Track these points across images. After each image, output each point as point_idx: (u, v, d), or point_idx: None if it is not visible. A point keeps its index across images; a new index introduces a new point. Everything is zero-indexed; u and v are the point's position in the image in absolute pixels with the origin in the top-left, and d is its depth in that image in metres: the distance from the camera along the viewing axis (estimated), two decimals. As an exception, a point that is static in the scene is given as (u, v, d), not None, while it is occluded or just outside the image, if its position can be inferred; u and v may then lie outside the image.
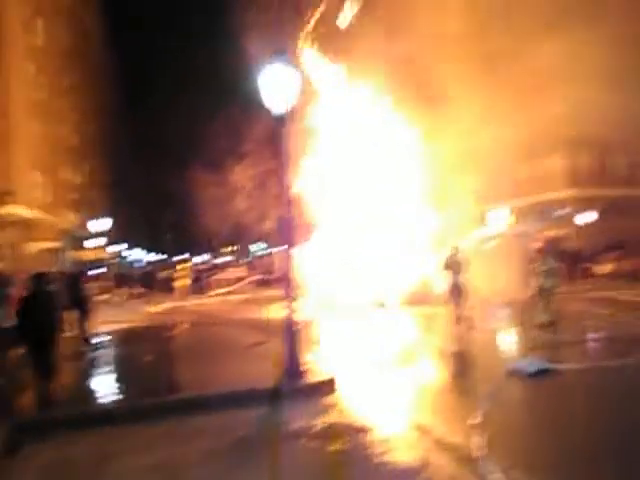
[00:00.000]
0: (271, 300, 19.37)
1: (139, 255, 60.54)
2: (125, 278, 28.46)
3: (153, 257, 68.10)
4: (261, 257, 39.53)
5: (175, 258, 51.69)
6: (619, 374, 7.39)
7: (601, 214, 28.38)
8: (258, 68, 7.58)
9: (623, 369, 7.57)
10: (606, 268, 23.70)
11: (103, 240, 27.94)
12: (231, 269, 35.99)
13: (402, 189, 20.19)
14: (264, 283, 29.15)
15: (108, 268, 27.77)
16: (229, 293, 26.61)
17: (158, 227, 77.74)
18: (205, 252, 62.19)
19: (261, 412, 6.67)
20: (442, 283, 12.72)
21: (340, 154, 20.67)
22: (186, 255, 54.96)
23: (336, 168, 20.81)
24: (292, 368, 7.65)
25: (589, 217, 28.46)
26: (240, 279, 29.72)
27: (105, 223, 27.82)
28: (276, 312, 14.11)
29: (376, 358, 9.52)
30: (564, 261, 25.78)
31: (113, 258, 31.53)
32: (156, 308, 21.20)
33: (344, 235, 20.14)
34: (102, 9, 48.18)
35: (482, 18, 30.83)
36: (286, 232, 7.90)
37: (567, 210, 30.26)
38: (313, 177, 21.42)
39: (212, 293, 26.78)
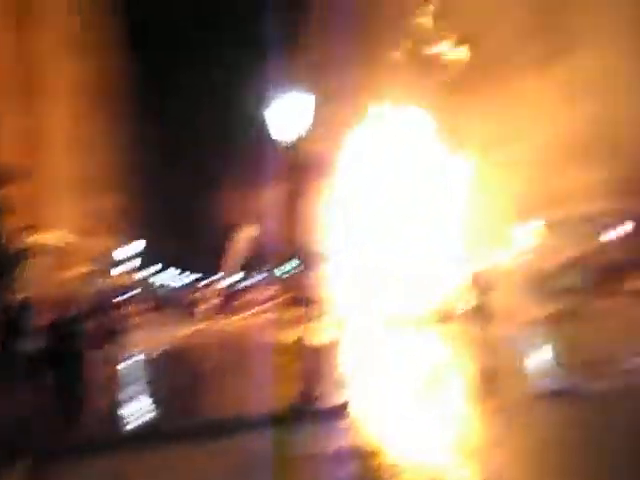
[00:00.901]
0: (298, 321, 19.55)
1: (172, 276, 61.57)
2: (154, 301, 29.11)
3: (188, 278, 69.15)
4: (293, 276, 39.77)
5: (210, 278, 52.40)
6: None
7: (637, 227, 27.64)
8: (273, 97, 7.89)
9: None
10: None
11: (136, 263, 28.72)
12: (263, 288, 36.27)
13: (433, 203, 20.23)
14: (295, 302, 29.30)
15: (138, 291, 28.46)
16: (258, 313, 26.84)
17: (194, 247, 78.72)
18: (239, 271, 62.72)
19: (272, 435, 6.84)
20: (467, 301, 12.66)
21: (372, 166, 20.87)
22: (219, 275, 55.46)
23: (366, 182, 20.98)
24: (306, 391, 7.80)
25: (625, 230, 27.72)
26: (270, 299, 29.94)
27: (137, 245, 28.61)
28: (301, 333, 14.27)
29: (395, 380, 9.59)
30: (600, 276, 25.23)
31: (144, 281, 32.30)
32: (183, 331, 21.59)
33: (370, 254, 20.27)
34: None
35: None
36: (301, 252, 8.11)
37: (602, 223, 29.56)
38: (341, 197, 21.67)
39: (241, 314, 27.09)
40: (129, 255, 30.04)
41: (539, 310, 13.14)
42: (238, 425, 7.28)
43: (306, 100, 7.74)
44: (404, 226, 19.91)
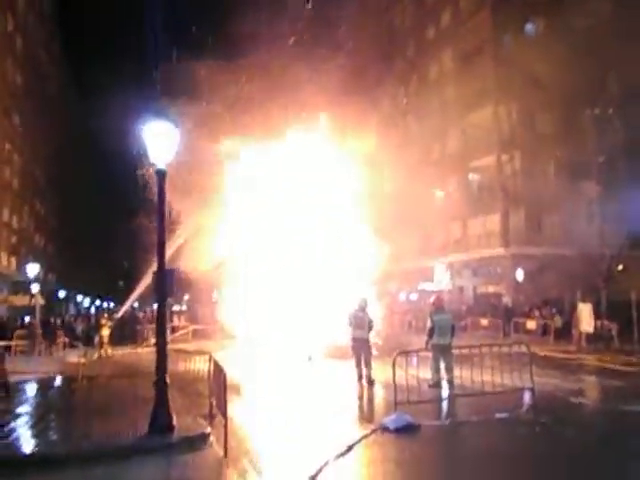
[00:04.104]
0: (202, 351, 19.19)
1: (80, 302, 58.92)
2: (54, 326, 27.63)
3: (100, 304, 66.52)
4: (202, 306, 39.15)
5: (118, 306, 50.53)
6: (481, 430, 7.68)
7: (535, 272, 29.33)
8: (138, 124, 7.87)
9: (487, 425, 7.88)
10: (535, 324, 24.35)
11: (37, 286, 27.25)
12: (175, 318, 35.44)
13: (337, 240, 20.68)
14: (203, 333, 28.92)
15: (37, 315, 27.00)
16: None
17: (111, 273, 76.05)
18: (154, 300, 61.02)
19: (117, 469, 6.60)
20: (347, 338, 12.83)
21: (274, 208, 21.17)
22: (131, 304, 53.60)
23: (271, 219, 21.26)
24: (160, 421, 7.58)
25: (523, 274, 29.36)
26: (176, 329, 29.31)
27: (35, 268, 27.24)
28: (202, 364, 14.01)
29: (270, 410, 9.56)
30: (498, 316, 26.58)
31: (45, 304, 30.66)
32: (80, 358, 20.62)
33: (276, 286, 20.37)
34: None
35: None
36: (164, 285, 7.98)
37: (502, 266, 31.23)
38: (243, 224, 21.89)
39: (145, 343, 26.22)
40: (33, 276, 28.50)
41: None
42: (85, 458, 6.96)
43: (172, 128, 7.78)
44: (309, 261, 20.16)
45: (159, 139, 7.77)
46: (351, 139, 22.22)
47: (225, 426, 7.05)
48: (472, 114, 32.39)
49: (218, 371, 8.02)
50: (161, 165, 7.89)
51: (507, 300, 29.39)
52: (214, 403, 8.96)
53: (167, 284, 7.94)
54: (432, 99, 35.11)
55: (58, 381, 14.84)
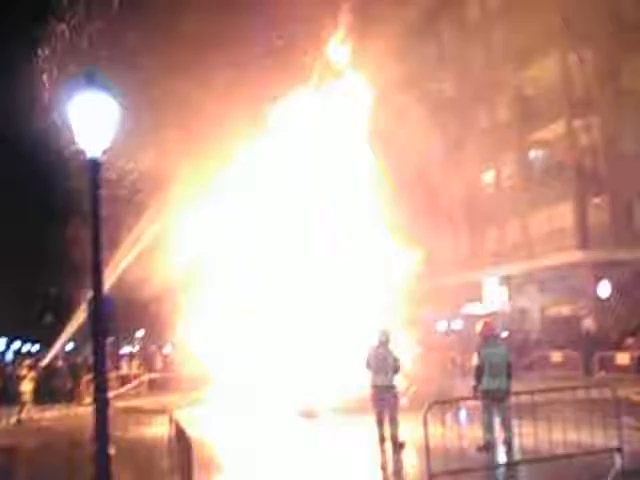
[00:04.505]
0: (162, 410, 19.25)
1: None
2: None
3: (20, 348, 66.71)
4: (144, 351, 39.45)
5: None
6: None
7: (626, 284, 29.34)
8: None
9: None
10: (628, 357, 24.32)
11: None
12: (124, 364, 35.64)
13: (347, 245, 20.87)
14: (163, 383, 29.11)
15: None
16: (111, 399, 26.15)
17: (35, 305, 76.09)
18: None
19: None
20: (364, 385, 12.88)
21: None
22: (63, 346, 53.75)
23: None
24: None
25: (610, 288, 29.40)
26: (127, 379, 29.49)
27: None
28: (160, 427, 14.00)
29: None
30: (577, 348, 26.54)
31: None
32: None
33: (265, 312, 20.53)
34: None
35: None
36: (102, 318, 8.03)
37: (580, 278, 31.24)
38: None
39: (84, 401, 26.34)
40: None
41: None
42: None
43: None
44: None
45: (90, 117, 7.84)
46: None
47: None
48: (530, 67, 32.52)
49: (181, 437, 8.09)
50: (94, 153, 7.95)
51: (589, 325, 29.43)
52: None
53: (105, 316, 7.98)
54: (474, 46, 35.29)
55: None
